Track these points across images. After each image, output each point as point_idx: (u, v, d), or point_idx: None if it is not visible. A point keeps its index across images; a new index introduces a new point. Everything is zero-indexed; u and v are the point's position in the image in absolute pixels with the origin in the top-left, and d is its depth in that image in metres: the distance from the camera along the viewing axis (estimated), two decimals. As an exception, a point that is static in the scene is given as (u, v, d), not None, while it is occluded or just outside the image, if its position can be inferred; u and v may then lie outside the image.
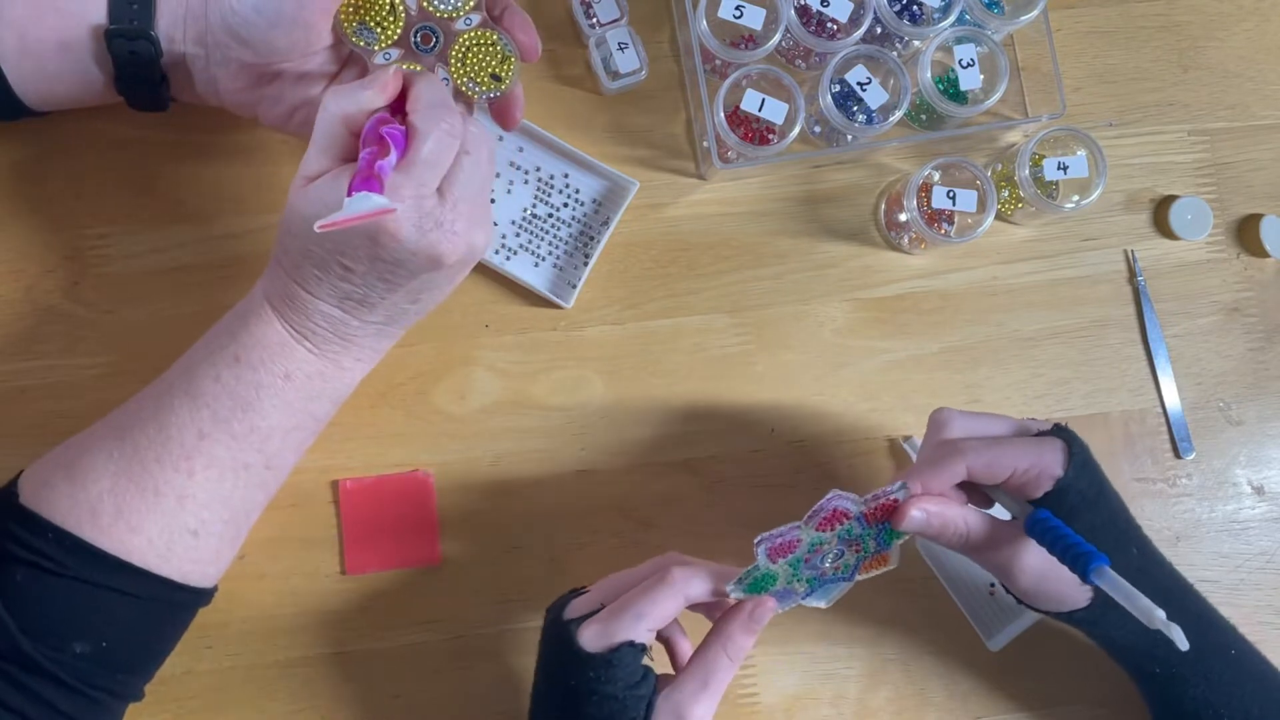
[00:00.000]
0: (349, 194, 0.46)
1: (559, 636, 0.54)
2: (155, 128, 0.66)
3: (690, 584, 0.53)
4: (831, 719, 0.67)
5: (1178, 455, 0.71)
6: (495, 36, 0.56)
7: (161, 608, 0.54)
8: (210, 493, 0.53)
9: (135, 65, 0.55)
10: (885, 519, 0.55)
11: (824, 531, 0.55)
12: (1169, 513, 0.71)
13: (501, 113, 0.58)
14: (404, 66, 0.56)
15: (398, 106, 0.52)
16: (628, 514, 0.67)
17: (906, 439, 0.69)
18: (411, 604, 0.65)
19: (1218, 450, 0.72)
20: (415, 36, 0.56)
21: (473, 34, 0.56)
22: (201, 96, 0.58)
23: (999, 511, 0.58)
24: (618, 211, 0.67)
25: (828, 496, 0.54)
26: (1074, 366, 0.71)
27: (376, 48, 0.56)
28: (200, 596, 0.56)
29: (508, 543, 0.66)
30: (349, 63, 0.58)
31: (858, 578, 0.57)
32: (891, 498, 0.55)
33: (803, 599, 0.57)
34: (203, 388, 0.53)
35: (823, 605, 0.58)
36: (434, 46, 0.56)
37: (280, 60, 0.55)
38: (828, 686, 0.67)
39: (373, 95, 0.50)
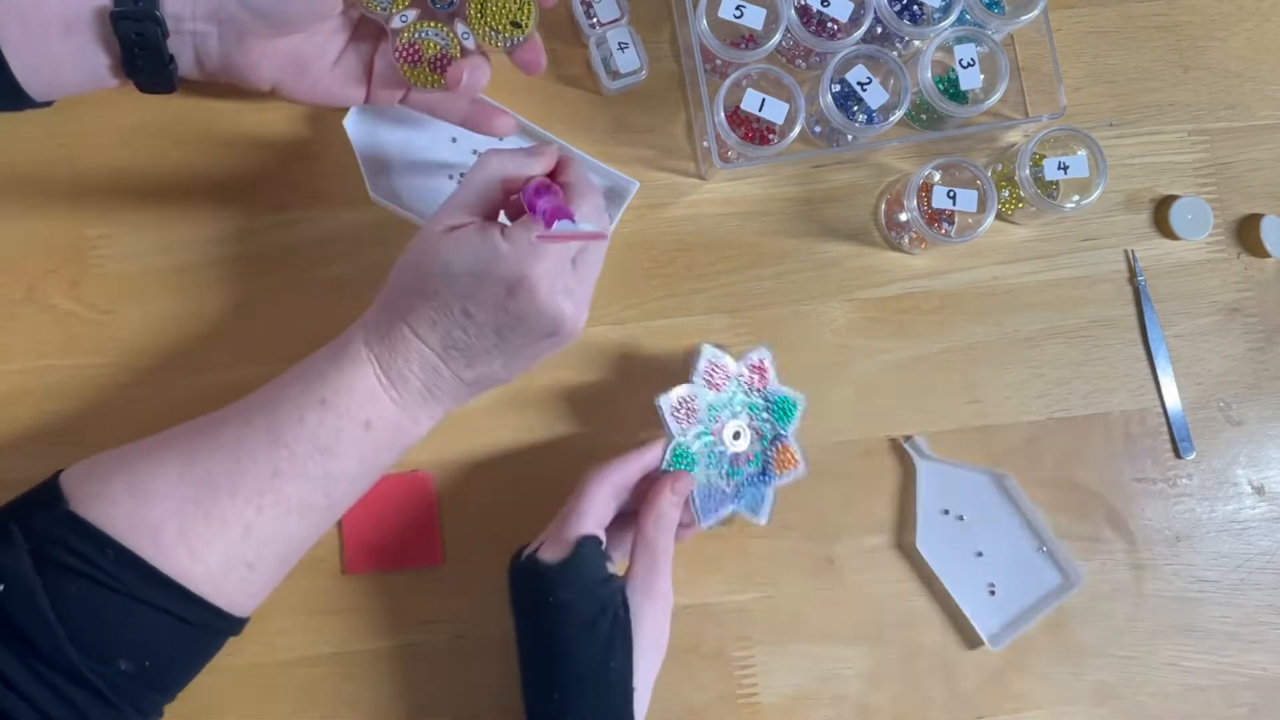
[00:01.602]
0: (549, 223, 0.50)
1: (522, 571, 0.58)
2: (155, 128, 0.66)
3: (606, 480, 0.59)
4: (831, 719, 0.67)
5: (1178, 455, 0.71)
6: None
7: (205, 634, 0.54)
8: (274, 529, 0.53)
9: (142, 47, 0.55)
10: (763, 385, 0.64)
11: (714, 391, 0.62)
12: (1169, 513, 0.71)
13: (525, 59, 0.59)
14: (421, 26, 0.57)
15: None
16: (627, 514, 0.67)
17: (907, 439, 0.69)
18: (411, 604, 0.65)
19: (1218, 450, 0.72)
20: None
21: None
22: (212, 75, 0.58)
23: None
24: (618, 211, 0.67)
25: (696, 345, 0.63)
26: (1074, 366, 0.71)
27: (392, 10, 0.56)
28: (238, 625, 0.55)
29: (508, 543, 0.66)
30: (361, 25, 0.59)
31: (775, 481, 0.63)
32: (760, 356, 0.64)
33: (734, 503, 0.63)
34: (285, 427, 0.53)
35: (762, 521, 0.63)
36: (450, 2, 0.57)
37: (294, 30, 0.56)
38: (828, 686, 0.67)
39: (537, 165, 0.56)
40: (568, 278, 0.54)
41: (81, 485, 0.52)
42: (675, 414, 0.62)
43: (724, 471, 0.63)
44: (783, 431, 0.64)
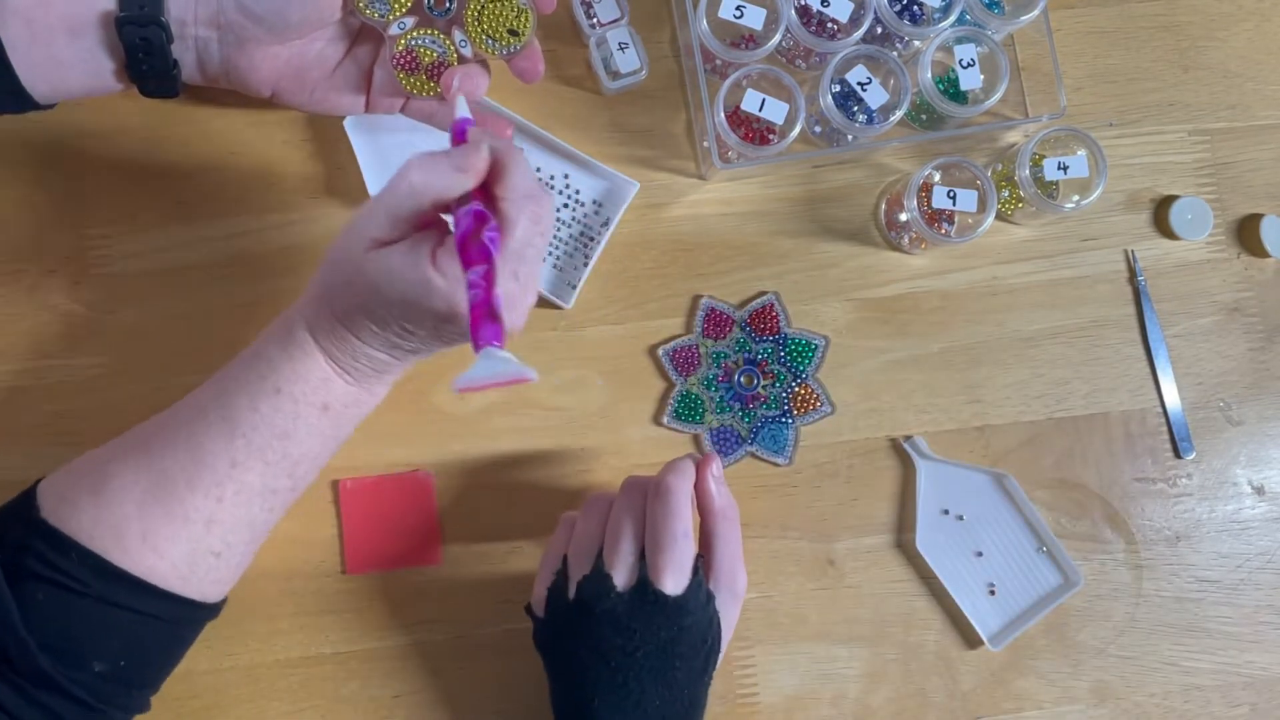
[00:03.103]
0: (475, 341, 0.44)
1: (644, 602, 0.54)
2: (157, 128, 0.66)
3: (684, 478, 0.57)
4: (832, 719, 0.67)
5: (1178, 455, 0.71)
6: None
7: (178, 626, 0.54)
8: (237, 517, 0.53)
9: (147, 52, 0.55)
10: (773, 330, 0.67)
11: (713, 339, 0.67)
12: (1169, 513, 0.71)
13: (522, 66, 0.58)
14: (418, 34, 0.56)
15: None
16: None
17: (907, 439, 0.69)
18: (411, 604, 0.65)
19: (1218, 450, 0.72)
20: (428, 0, 0.56)
21: None
22: (214, 80, 0.58)
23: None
24: (618, 212, 0.67)
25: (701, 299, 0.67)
26: (1074, 366, 0.71)
27: (390, 17, 0.56)
28: (213, 612, 0.56)
29: (508, 543, 0.66)
30: (361, 34, 0.59)
31: (796, 422, 0.67)
32: (765, 302, 0.67)
33: (750, 445, 0.66)
34: (239, 416, 0.53)
35: (782, 461, 0.67)
36: (448, 10, 0.57)
37: (293, 36, 0.56)
38: (828, 686, 0.67)
39: (467, 179, 0.48)
40: (510, 292, 0.49)
41: (51, 491, 0.52)
42: (674, 362, 0.67)
43: (738, 415, 0.67)
44: (801, 373, 0.67)
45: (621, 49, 0.67)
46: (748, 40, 0.67)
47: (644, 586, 0.54)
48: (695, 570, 0.55)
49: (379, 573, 0.65)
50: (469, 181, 0.48)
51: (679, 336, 0.68)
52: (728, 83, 0.64)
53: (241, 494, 0.53)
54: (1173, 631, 0.69)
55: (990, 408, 0.70)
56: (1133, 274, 0.72)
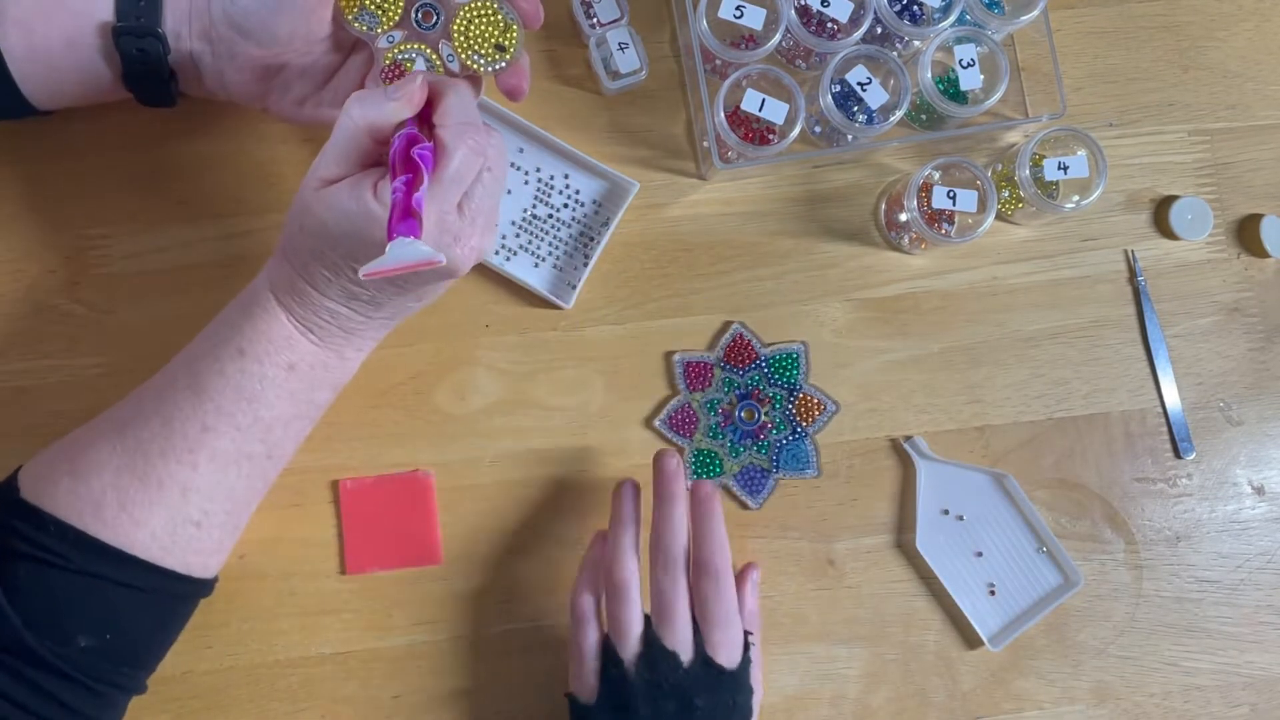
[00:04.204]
0: (389, 234, 0.45)
1: (707, 676, 0.56)
2: (156, 129, 0.66)
3: (727, 555, 0.58)
4: (832, 719, 0.67)
5: (1178, 455, 0.71)
6: (495, 6, 0.56)
7: (165, 600, 0.54)
8: (214, 484, 0.54)
9: (143, 63, 0.55)
10: (751, 358, 0.66)
11: (700, 390, 0.66)
12: (1169, 513, 0.71)
13: (509, 84, 0.58)
14: (405, 47, 0.56)
15: (423, 114, 0.52)
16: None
17: (907, 439, 0.69)
18: (411, 604, 0.65)
19: (1218, 450, 0.72)
20: (416, 14, 0.56)
21: (473, 6, 0.55)
22: (210, 91, 0.59)
23: None
24: (618, 212, 0.67)
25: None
26: (1074, 366, 0.71)
27: (379, 30, 0.56)
28: (202, 587, 0.56)
29: (508, 543, 0.66)
30: (354, 49, 0.59)
31: (810, 432, 0.67)
32: (734, 334, 0.67)
33: (777, 473, 0.67)
34: (206, 381, 0.53)
35: (810, 473, 0.67)
36: (435, 23, 0.57)
37: (283, 49, 0.55)
38: (828, 686, 0.67)
39: (400, 107, 0.50)
40: (454, 225, 0.51)
41: (30, 473, 0.53)
42: (672, 427, 0.66)
43: (754, 451, 0.66)
44: (794, 385, 0.67)
45: (621, 49, 0.67)
46: (748, 40, 0.67)
47: (706, 661, 0.56)
48: (746, 646, 0.58)
49: (379, 573, 0.65)
50: (403, 110, 0.50)
51: (670, 400, 0.67)
52: (728, 83, 0.64)
53: (215, 460, 0.53)
54: (1173, 631, 0.69)
55: (990, 408, 0.70)
56: (1133, 274, 0.72)
